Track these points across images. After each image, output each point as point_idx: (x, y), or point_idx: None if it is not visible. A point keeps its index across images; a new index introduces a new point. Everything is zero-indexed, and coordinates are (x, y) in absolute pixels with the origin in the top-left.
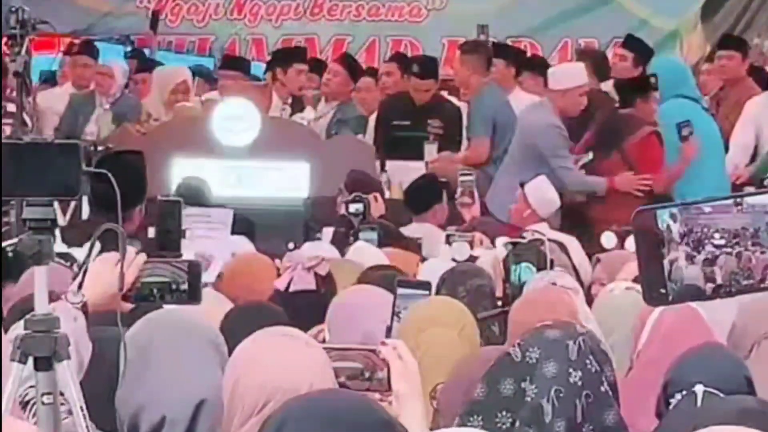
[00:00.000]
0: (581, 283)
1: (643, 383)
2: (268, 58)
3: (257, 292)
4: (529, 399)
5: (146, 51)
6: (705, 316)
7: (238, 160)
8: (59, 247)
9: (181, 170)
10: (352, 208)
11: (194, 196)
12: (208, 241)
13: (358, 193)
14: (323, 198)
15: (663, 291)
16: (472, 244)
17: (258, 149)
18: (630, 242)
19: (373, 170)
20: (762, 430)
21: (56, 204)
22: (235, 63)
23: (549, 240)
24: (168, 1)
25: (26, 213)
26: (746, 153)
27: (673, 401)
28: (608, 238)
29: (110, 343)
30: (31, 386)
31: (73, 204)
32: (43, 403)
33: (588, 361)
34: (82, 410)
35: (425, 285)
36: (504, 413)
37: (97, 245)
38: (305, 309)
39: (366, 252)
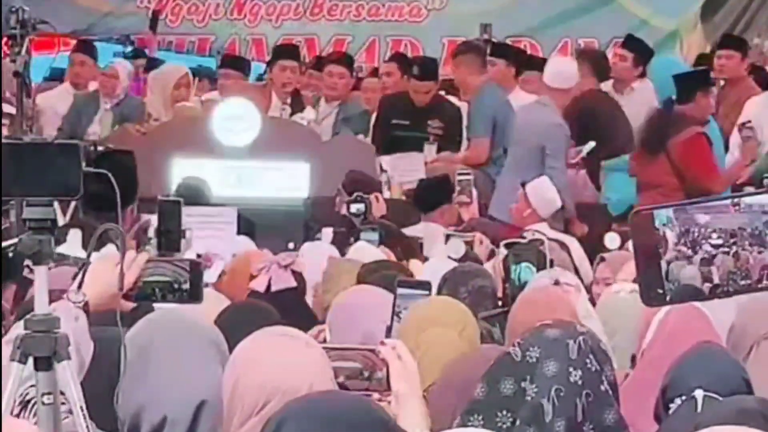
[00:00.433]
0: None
1: (647, 383)
2: (268, 58)
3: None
4: (529, 398)
5: (146, 51)
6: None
7: (238, 160)
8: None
9: (181, 170)
10: (354, 208)
11: (194, 196)
12: (212, 240)
13: (360, 193)
14: (323, 198)
15: (660, 291)
16: (472, 245)
17: (258, 149)
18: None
19: (374, 170)
20: (762, 430)
21: (56, 204)
22: (235, 63)
23: (549, 239)
24: (168, 1)
25: (26, 213)
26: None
27: (672, 406)
28: (611, 239)
29: (111, 343)
30: (31, 386)
31: (72, 204)
32: (43, 403)
33: (588, 361)
34: (82, 410)
35: (425, 285)
36: (504, 412)
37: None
38: (288, 307)
39: (367, 252)
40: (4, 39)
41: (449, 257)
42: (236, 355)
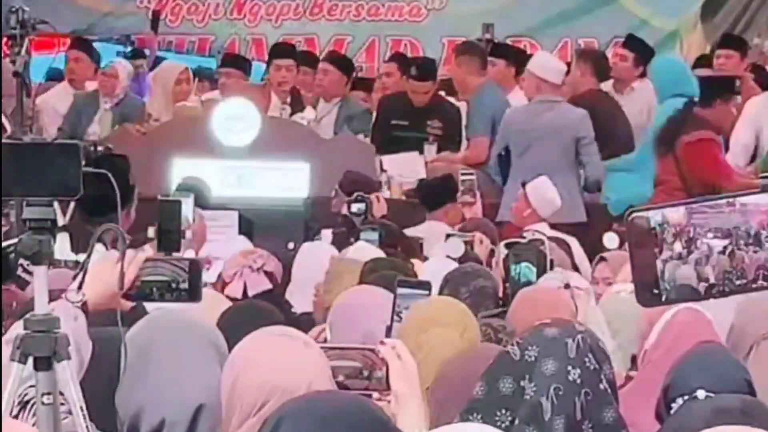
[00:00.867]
0: None
1: (650, 387)
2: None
3: None
4: (528, 397)
5: (147, 51)
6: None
7: (238, 160)
8: None
9: (181, 170)
10: (354, 207)
11: (194, 196)
12: (213, 244)
13: (360, 193)
14: (323, 198)
15: (656, 292)
16: (472, 244)
17: (258, 149)
18: None
19: (373, 170)
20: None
21: (56, 204)
22: (236, 62)
23: (549, 239)
24: (168, 1)
25: (26, 213)
26: (746, 153)
27: (674, 406)
28: (610, 239)
29: (110, 342)
30: (30, 386)
31: (72, 204)
32: (43, 403)
33: (587, 359)
34: (82, 410)
35: (425, 285)
36: (503, 411)
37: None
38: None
39: (367, 252)
40: (4, 39)
41: (448, 257)
42: (235, 354)
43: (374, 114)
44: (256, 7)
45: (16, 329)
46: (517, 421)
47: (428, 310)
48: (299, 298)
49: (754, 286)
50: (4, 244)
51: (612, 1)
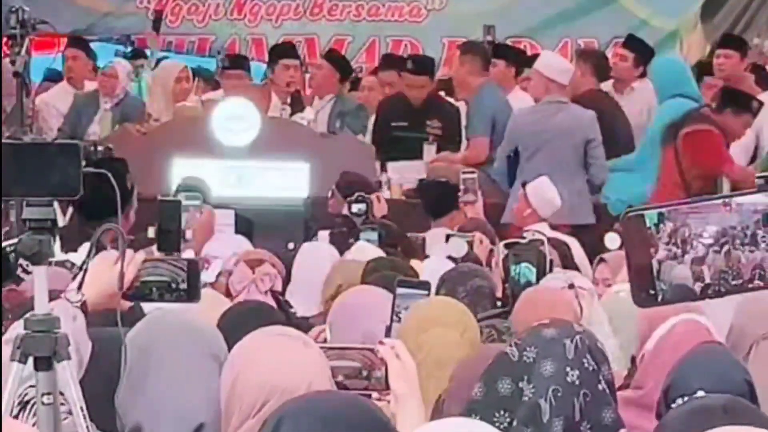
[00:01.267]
0: None
1: (648, 396)
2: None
3: None
4: (526, 398)
5: (147, 51)
6: (703, 318)
7: (238, 160)
8: None
9: (181, 170)
10: (355, 208)
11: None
12: (211, 242)
13: (361, 193)
14: (323, 198)
15: (652, 292)
16: (471, 245)
17: (258, 149)
18: None
19: (373, 170)
20: (724, 424)
21: (56, 204)
22: (239, 62)
23: (549, 239)
24: (168, 1)
25: (26, 213)
26: (746, 153)
27: (674, 406)
28: (611, 239)
29: (110, 343)
30: (30, 386)
31: (70, 207)
32: (43, 403)
33: (585, 360)
34: (82, 410)
35: (425, 285)
36: (502, 413)
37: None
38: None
39: (368, 252)
40: (4, 39)
41: (450, 257)
42: (234, 355)
43: (374, 116)
44: (256, 7)
45: (16, 329)
46: (515, 423)
47: (428, 310)
48: (299, 298)
49: (750, 286)
50: (4, 244)
51: (612, 1)
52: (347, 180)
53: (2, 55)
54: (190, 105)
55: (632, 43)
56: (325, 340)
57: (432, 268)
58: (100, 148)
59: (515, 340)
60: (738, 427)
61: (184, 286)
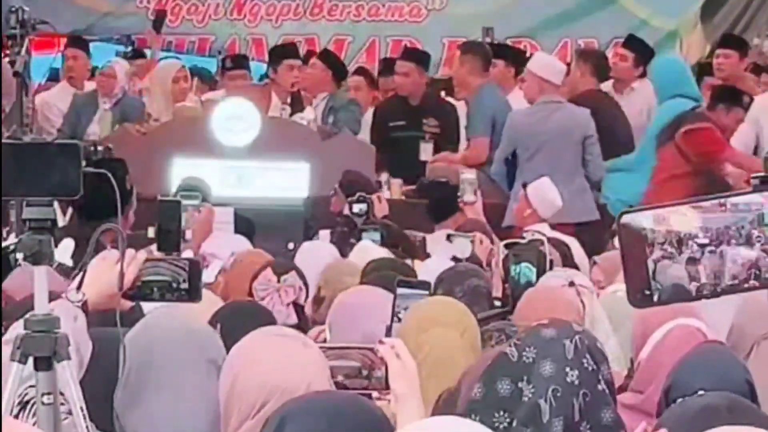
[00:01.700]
0: None
1: (647, 402)
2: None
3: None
4: (526, 398)
5: (147, 52)
6: (703, 318)
7: (238, 160)
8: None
9: (181, 170)
10: (356, 208)
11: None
12: (209, 241)
13: (362, 193)
14: (323, 198)
15: (648, 292)
16: (472, 244)
17: (258, 149)
18: None
19: (373, 170)
20: (726, 424)
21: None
22: (242, 62)
23: (549, 239)
24: (168, 1)
25: (26, 213)
26: (747, 153)
27: (672, 405)
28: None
29: (110, 343)
30: (30, 386)
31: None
32: (43, 403)
33: (585, 360)
34: (82, 410)
35: (425, 285)
36: (501, 413)
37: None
38: None
39: (371, 251)
40: (4, 39)
41: (455, 257)
42: (234, 355)
43: (371, 119)
44: (256, 7)
45: (16, 329)
46: (515, 423)
47: (428, 310)
48: None
49: (746, 286)
50: (4, 244)
51: (612, 1)
52: (349, 179)
53: (2, 55)
54: (190, 105)
55: (632, 43)
56: (324, 340)
57: (433, 268)
58: (99, 148)
59: (514, 340)
60: (739, 427)
61: (185, 285)
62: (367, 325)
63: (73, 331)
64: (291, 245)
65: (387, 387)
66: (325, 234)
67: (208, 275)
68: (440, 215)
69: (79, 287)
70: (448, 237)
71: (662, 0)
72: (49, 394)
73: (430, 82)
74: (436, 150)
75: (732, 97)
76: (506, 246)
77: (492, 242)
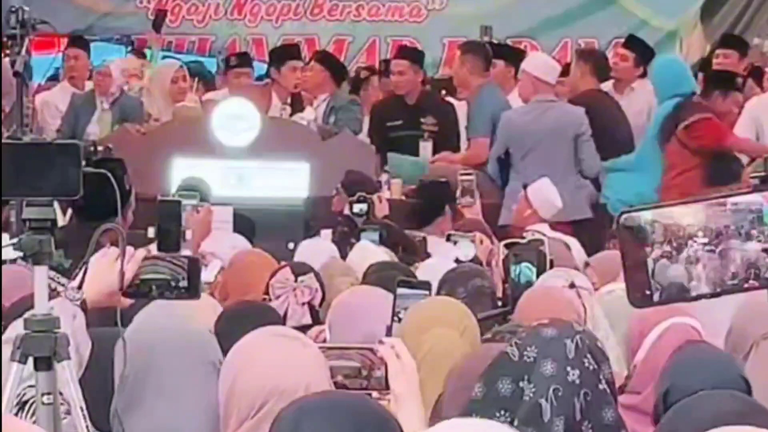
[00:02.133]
0: None
1: (645, 401)
2: (268, 58)
3: (258, 289)
4: (527, 398)
5: (147, 52)
6: (702, 319)
7: (238, 160)
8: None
9: (181, 170)
10: (357, 208)
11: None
12: (208, 240)
13: (363, 193)
14: (323, 198)
15: (648, 292)
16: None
17: (258, 149)
18: None
19: (373, 170)
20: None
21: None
22: (245, 60)
23: (549, 239)
24: (168, 1)
25: (26, 213)
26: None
27: (673, 407)
28: None
29: (109, 342)
30: (29, 386)
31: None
32: (43, 403)
33: (586, 360)
34: (82, 410)
35: (425, 285)
36: (502, 413)
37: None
38: None
39: (370, 251)
40: (4, 39)
41: (458, 259)
42: (233, 355)
43: (369, 120)
44: (256, 7)
45: (16, 329)
46: (516, 422)
47: (428, 310)
48: None
49: (745, 285)
50: (4, 244)
51: (612, 1)
52: (351, 179)
53: (2, 55)
54: (190, 105)
55: (632, 43)
56: (324, 340)
57: (433, 268)
58: (99, 148)
59: (515, 339)
60: (739, 427)
61: (184, 283)
62: (367, 325)
63: (72, 329)
64: (291, 245)
65: (387, 387)
66: (326, 233)
67: (207, 275)
68: (425, 218)
69: (79, 286)
70: (449, 237)
71: (662, 0)
72: (49, 394)
73: (431, 82)
74: (436, 149)
75: (726, 81)
76: (506, 246)
77: (492, 242)
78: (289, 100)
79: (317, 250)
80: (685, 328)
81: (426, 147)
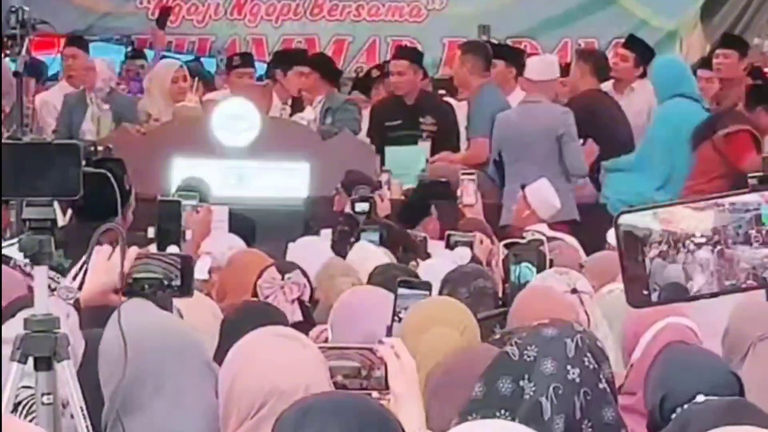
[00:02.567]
0: None
1: (640, 401)
2: (269, 58)
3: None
4: (527, 397)
5: (150, 51)
6: (699, 319)
7: (238, 160)
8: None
9: (181, 170)
10: (358, 207)
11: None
12: (207, 239)
13: (364, 192)
14: (323, 198)
15: (646, 292)
16: (471, 244)
17: (258, 149)
18: None
19: (373, 170)
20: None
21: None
22: (247, 60)
23: (549, 239)
24: (168, 0)
25: (26, 213)
26: None
27: (675, 416)
28: (612, 236)
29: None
30: (23, 387)
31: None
32: (43, 403)
33: (586, 359)
34: (82, 410)
35: (426, 285)
36: (503, 412)
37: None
38: None
39: (370, 251)
40: (4, 39)
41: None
42: (232, 355)
43: (368, 121)
44: (256, 7)
45: (16, 329)
46: (516, 421)
47: (428, 310)
48: None
49: (743, 286)
50: (4, 244)
51: (612, 1)
52: (352, 178)
53: (2, 55)
54: (190, 105)
55: (633, 43)
56: (326, 340)
57: (434, 268)
58: (99, 148)
59: (515, 339)
60: (739, 427)
61: (177, 282)
62: (368, 326)
63: (66, 328)
64: (291, 245)
65: (386, 387)
66: (326, 233)
67: (197, 271)
68: (411, 219)
69: (80, 287)
70: (449, 237)
71: (662, 0)
72: (49, 394)
73: (431, 82)
74: (435, 149)
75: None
76: (506, 246)
77: (492, 242)
78: (289, 101)
79: (314, 247)
80: (680, 328)
81: (425, 147)
